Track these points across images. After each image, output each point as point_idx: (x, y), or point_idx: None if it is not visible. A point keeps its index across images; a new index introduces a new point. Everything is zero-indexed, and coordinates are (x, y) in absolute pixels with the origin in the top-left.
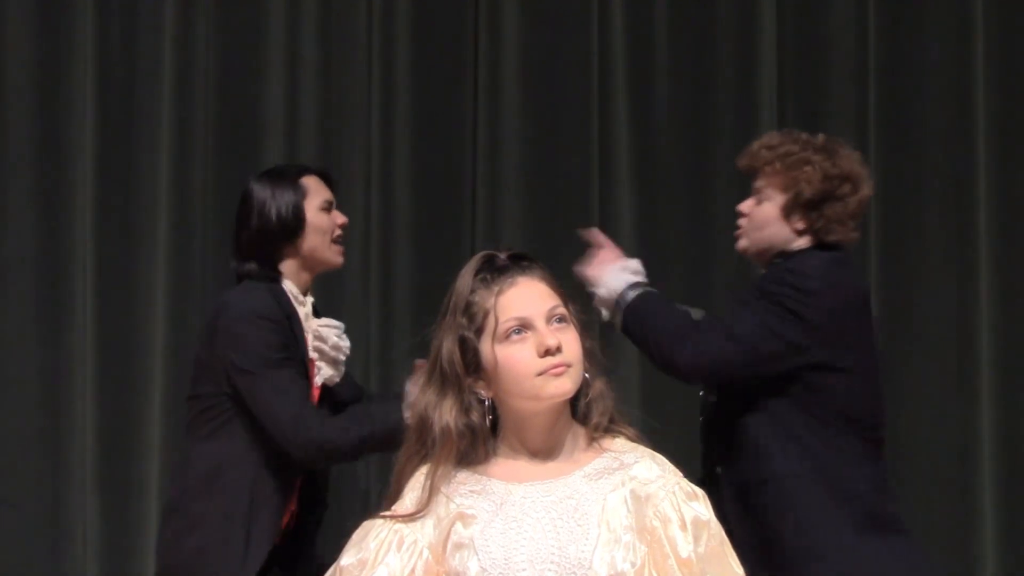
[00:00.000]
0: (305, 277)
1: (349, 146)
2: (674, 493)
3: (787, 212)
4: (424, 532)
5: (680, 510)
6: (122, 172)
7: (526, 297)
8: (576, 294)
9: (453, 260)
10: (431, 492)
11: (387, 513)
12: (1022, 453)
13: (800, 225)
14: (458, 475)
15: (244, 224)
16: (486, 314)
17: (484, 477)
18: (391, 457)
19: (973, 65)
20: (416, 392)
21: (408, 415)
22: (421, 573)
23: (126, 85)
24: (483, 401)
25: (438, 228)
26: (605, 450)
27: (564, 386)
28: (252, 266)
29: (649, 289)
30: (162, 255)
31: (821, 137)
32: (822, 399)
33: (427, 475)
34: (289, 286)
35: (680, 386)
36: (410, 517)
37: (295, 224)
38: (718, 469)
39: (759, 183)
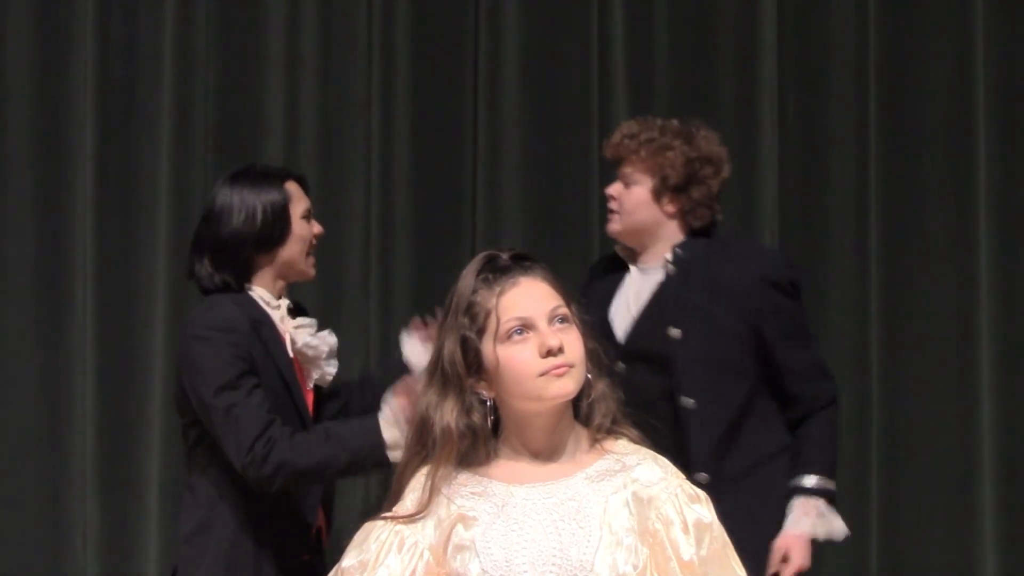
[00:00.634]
0: (280, 285)
1: (349, 146)
2: (676, 495)
3: (657, 195)
4: (425, 533)
5: (682, 512)
6: (122, 172)
7: (528, 297)
8: (577, 294)
9: (453, 260)
10: (432, 493)
11: (388, 514)
12: (1022, 453)
13: (671, 208)
14: (459, 476)
15: (218, 226)
16: (488, 314)
17: (485, 478)
18: None
19: (973, 65)
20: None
21: (387, 435)
22: (422, 575)
23: (126, 85)
24: (484, 402)
25: (438, 228)
26: (607, 452)
27: (566, 387)
28: (220, 277)
29: None
30: (162, 255)
31: (676, 122)
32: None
33: (428, 476)
34: (260, 292)
35: None
36: (411, 518)
37: (280, 231)
38: (702, 475)
39: (626, 169)
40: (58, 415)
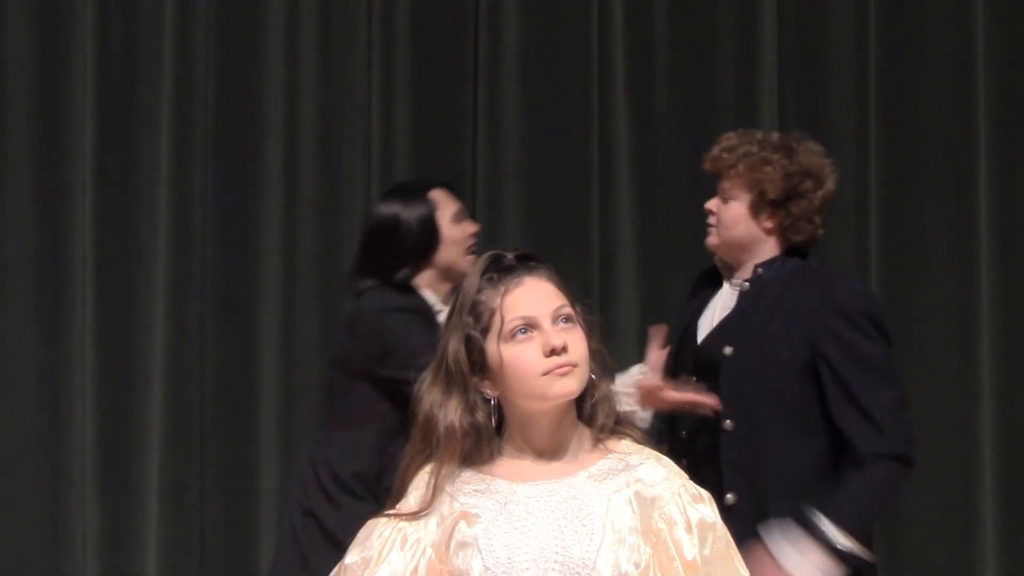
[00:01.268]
0: (444, 288)
1: (349, 146)
2: (679, 495)
3: (755, 211)
4: (428, 531)
5: (686, 512)
6: (122, 172)
7: (532, 297)
8: (582, 295)
9: None
10: (435, 491)
11: (391, 511)
12: (1022, 453)
13: (769, 224)
14: (462, 474)
15: (378, 247)
16: (492, 313)
17: (488, 476)
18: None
19: (973, 65)
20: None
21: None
22: (424, 572)
23: (126, 85)
24: (488, 401)
25: None
26: (610, 451)
27: (569, 386)
28: (381, 281)
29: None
30: (162, 255)
31: (776, 135)
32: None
33: (431, 474)
34: (427, 295)
35: None
36: (414, 516)
37: (431, 240)
38: (729, 496)
39: (724, 184)
40: (58, 415)
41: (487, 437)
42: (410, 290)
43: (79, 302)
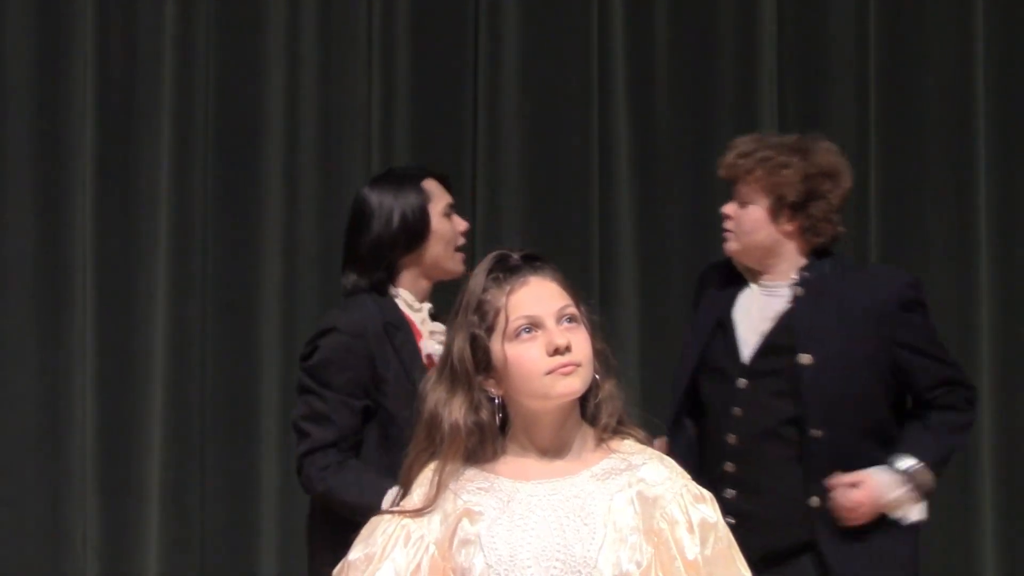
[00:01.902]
0: (424, 285)
1: (349, 146)
2: (681, 495)
3: (774, 215)
4: (431, 528)
5: (687, 512)
6: (122, 172)
7: (537, 296)
8: (587, 295)
9: None
10: (439, 488)
11: (395, 509)
12: (1022, 453)
13: (789, 227)
14: (466, 472)
15: (360, 232)
16: (497, 312)
17: (492, 475)
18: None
19: (973, 65)
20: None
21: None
22: (427, 569)
23: (126, 85)
24: (493, 399)
25: None
26: (613, 451)
27: (573, 385)
28: (363, 280)
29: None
30: (162, 255)
31: (794, 137)
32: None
33: (435, 471)
34: (403, 294)
35: None
36: (417, 513)
37: (420, 231)
38: (814, 500)
39: (741, 188)
40: (58, 415)
41: (491, 435)
42: (385, 289)
43: (79, 302)
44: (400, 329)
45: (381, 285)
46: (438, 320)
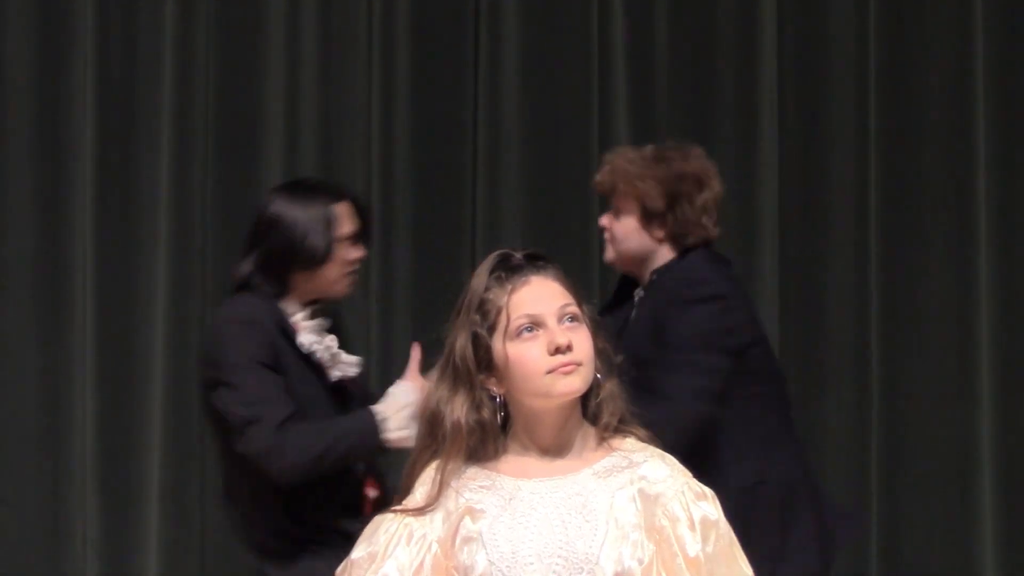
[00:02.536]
0: (310, 300)
1: (349, 146)
2: (683, 493)
3: (645, 223)
4: (433, 526)
5: (689, 510)
6: (122, 172)
7: (538, 295)
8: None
9: (453, 260)
10: (440, 487)
11: (397, 507)
12: (1022, 453)
13: (659, 233)
14: (468, 471)
15: (264, 241)
16: (499, 311)
17: (493, 473)
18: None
19: (973, 65)
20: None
21: (383, 420)
22: (429, 567)
23: (126, 85)
24: (494, 398)
25: (438, 228)
26: (614, 449)
27: (574, 384)
28: (256, 279)
29: None
30: (162, 255)
31: (651, 147)
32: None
33: (437, 470)
34: (292, 306)
35: None
36: (420, 511)
37: (322, 256)
38: None
39: (614, 200)
40: (58, 415)
41: (492, 434)
42: (270, 296)
43: (79, 302)
44: (286, 328)
45: (273, 294)
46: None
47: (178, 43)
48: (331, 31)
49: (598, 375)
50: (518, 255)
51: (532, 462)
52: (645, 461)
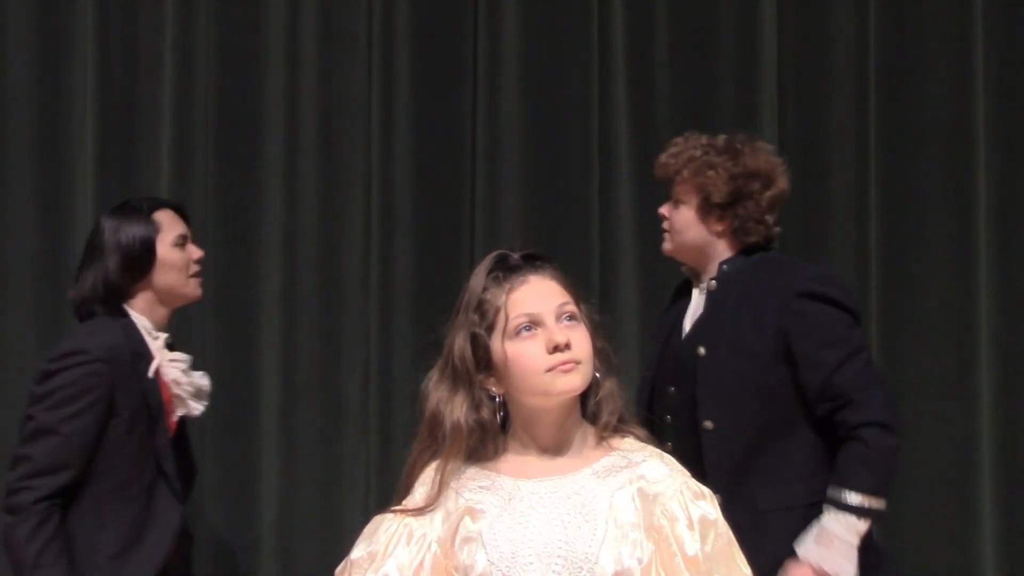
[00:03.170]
0: (161, 312)
1: (349, 146)
2: (681, 492)
3: (702, 215)
4: (433, 526)
5: (687, 509)
6: (122, 172)
7: (536, 294)
8: (588, 294)
9: (453, 260)
10: (440, 487)
11: (397, 507)
12: (1022, 453)
13: (718, 227)
14: (467, 471)
15: (91, 260)
16: (497, 311)
17: (493, 473)
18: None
19: (973, 65)
20: None
21: None
22: (429, 566)
23: (127, 84)
24: (494, 398)
25: (438, 228)
26: (613, 449)
27: (573, 382)
28: (95, 306)
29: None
30: None
31: (722, 138)
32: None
33: (437, 470)
34: (141, 321)
35: None
36: (419, 511)
37: (143, 262)
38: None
39: (675, 189)
40: None
41: (492, 434)
42: (122, 312)
43: None
44: (142, 356)
45: (114, 310)
46: (176, 350)
47: (178, 43)
48: (331, 31)
49: (597, 374)
50: (515, 255)
51: (532, 462)
52: (644, 461)
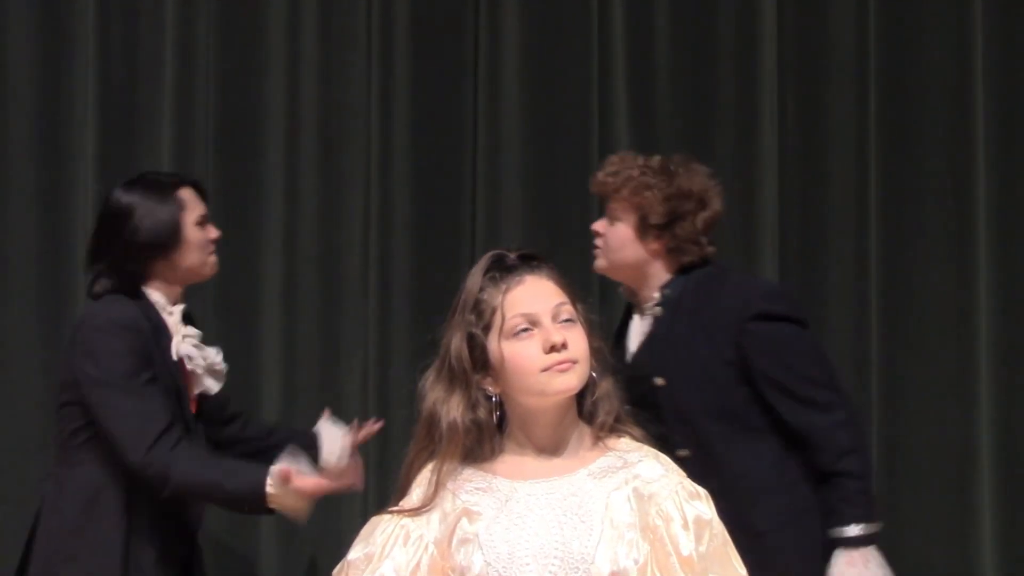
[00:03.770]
0: (176, 290)
1: (349, 146)
2: (677, 492)
3: (640, 233)
4: (430, 527)
5: (682, 509)
6: (122, 172)
7: (533, 295)
8: (584, 294)
9: (453, 260)
10: (437, 488)
11: (394, 508)
12: (1022, 453)
13: (654, 246)
14: (464, 472)
15: (111, 236)
16: (494, 311)
17: (490, 475)
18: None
19: (973, 65)
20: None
21: (271, 487)
22: (426, 568)
23: (126, 85)
24: (490, 398)
25: (438, 228)
26: (610, 449)
27: (570, 382)
28: (112, 281)
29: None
30: None
31: (657, 159)
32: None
33: (433, 471)
34: (156, 296)
35: None
36: (416, 512)
37: (172, 242)
38: None
39: (611, 205)
40: None
41: (489, 434)
42: (138, 291)
43: (80, 302)
44: (160, 332)
45: (133, 288)
46: (192, 323)
47: (178, 43)
48: (331, 30)
49: (594, 373)
50: (512, 255)
51: (528, 462)
52: (640, 461)
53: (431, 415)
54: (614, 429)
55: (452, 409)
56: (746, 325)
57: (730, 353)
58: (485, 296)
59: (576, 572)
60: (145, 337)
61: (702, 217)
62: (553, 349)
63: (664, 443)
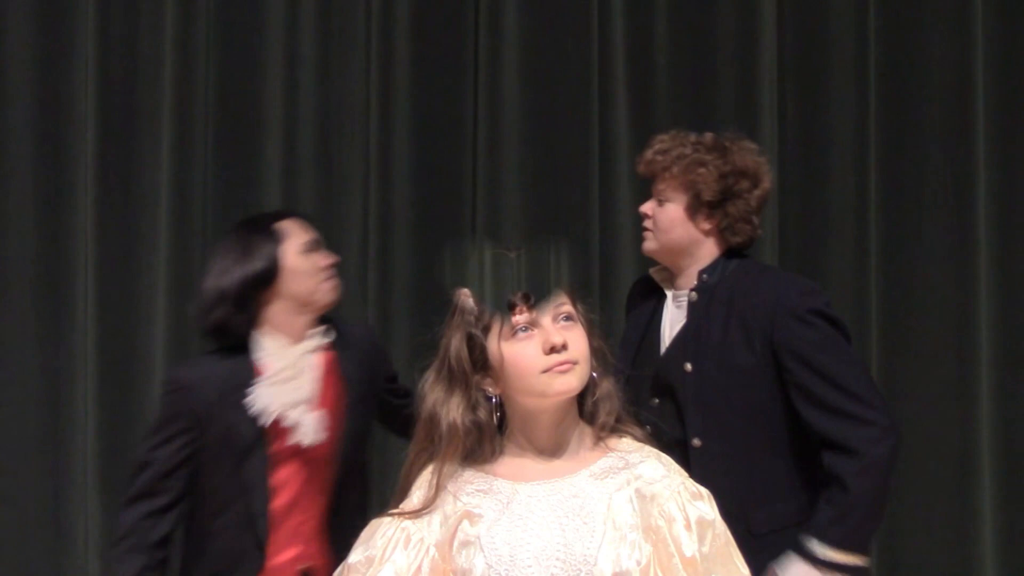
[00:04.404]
0: (301, 320)
1: (349, 146)
2: (679, 493)
3: (691, 213)
4: (431, 530)
5: (685, 510)
6: (122, 172)
7: None
8: (584, 293)
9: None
10: (437, 490)
11: (394, 511)
12: (1022, 453)
13: (706, 225)
14: (465, 473)
15: (219, 279)
16: (493, 312)
17: (490, 476)
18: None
19: (973, 65)
20: None
21: None
22: (427, 570)
23: (126, 85)
24: (490, 398)
25: (438, 227)
26: (611, 449)
27: (570, 383)
28: (228, 319)
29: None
30: (162, 255)
31: (710, 136)
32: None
33: (433, 473)
34: (268, 341)
35: None
36: (416, 514)
37: (271, 272)
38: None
39: (659, 186)
40: (59, 415)
41: (489, 435)
42: (247, 334)
43: (80, 302)
44: (241, 390)
45: (246, 326)
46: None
47: (178, 43)
48: (330, 30)
49: (594, 374)
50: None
51: (529, 463)
52: (641, 461)
53: (431, 416)
54: (615, 429)
55: (452, 410)
56: (782, 321)
57: (761, 348)
58: None
59: (578, 574)
60: (198, 395)
61: (755, 195)
62: (553, 350)
63: (681, 429)
